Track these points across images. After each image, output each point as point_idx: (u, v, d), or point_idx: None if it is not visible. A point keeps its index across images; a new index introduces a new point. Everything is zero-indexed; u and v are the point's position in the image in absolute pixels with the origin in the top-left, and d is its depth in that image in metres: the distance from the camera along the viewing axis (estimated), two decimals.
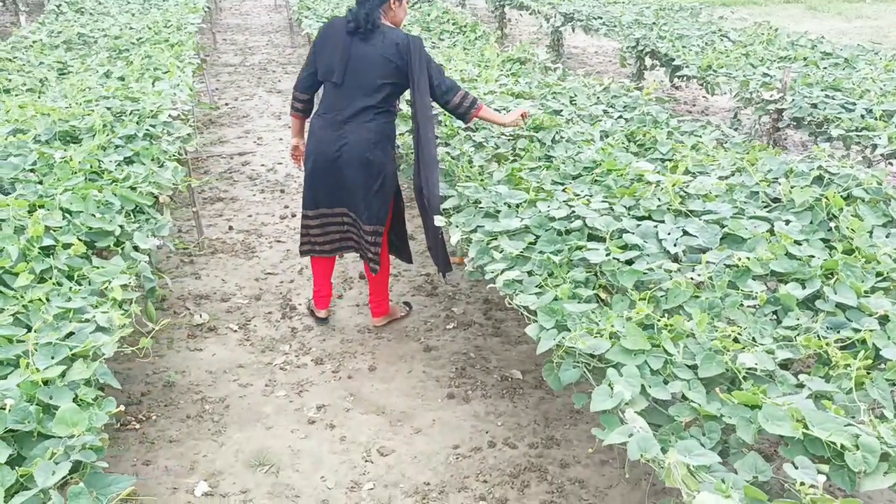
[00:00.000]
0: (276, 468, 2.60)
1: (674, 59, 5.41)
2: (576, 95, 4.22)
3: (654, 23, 6.49)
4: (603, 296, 2.29)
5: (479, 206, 2.78)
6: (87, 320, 1.90)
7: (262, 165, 5.39)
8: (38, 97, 4.28)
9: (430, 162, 2.96)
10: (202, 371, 3.12)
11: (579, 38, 9.28)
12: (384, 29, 2.90)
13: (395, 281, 3.87)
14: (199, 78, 7.04)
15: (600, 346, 1.95)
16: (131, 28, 6.11)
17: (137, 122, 3.60)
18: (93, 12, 6.89)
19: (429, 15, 6.79)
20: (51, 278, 2.14)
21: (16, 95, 4.45)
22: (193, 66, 4.99)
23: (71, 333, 1.80)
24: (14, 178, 2.86)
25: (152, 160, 3.24)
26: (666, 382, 1.84)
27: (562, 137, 3.51)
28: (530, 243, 2.49)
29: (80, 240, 2.41)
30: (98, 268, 2.32)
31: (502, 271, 2.39)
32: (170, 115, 3.71)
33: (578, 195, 2.79)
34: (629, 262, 2.34)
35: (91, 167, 3.01)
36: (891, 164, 4.13)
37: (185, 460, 2.63)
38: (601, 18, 6.69)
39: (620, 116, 3.94)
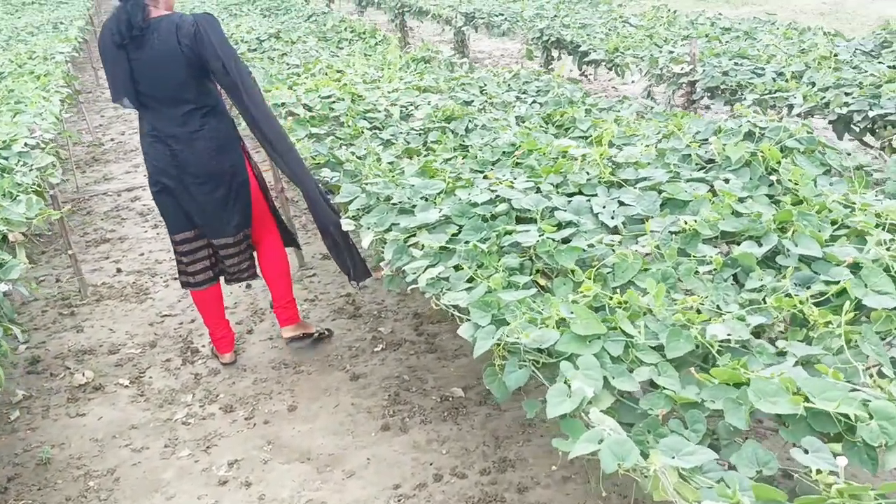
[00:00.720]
0: None
1: (580, 46, 5.26)
2: (486, 85, 3.95)
3: (555, 15, 6.37)
4: (542, 282, 1.97)
5: (391, 202, 2.42)
6: None
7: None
8: None
9: (287, 153, 2.60)
10: (85, 440, 2.60)
11: (483, 42, 9.15)
12: (155, 23, 2.43)
13: (312, 307, 3.45)
14: (79, 116, 6.43)
15: (547, 336, 1.61)
16: None
17: None
18: None
19: (325, 25, 6.44)
20: None
21: None
22: (62, 96, 4.45)
23: None
24: None
25: (2, 195, 2.73)
26: (631, 371, 1.51)
27: (475, 125, 3.22)
28: (453, 235, 2.14)
29: None
30: None
31: (424, 269, 2.03)
32: (26, 144, 3.19)
33: (501, 179, 2.47)
34: (565, 241, 2.03)
35: None
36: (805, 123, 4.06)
37: None
38: (502, 15, 6.52)
39: (534, 101, 3.69)
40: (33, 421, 2.70)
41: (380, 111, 3.54)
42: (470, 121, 3.24)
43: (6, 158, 3.08)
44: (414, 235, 2.21)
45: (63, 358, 3.10)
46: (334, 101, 3.69)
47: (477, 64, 8.00)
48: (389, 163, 2.85)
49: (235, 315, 3.38)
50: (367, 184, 2.57)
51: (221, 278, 2.95)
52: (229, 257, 2.83)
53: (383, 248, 2.27)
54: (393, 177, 2.62)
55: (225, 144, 2.64)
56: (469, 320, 1.77)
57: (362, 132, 3.26)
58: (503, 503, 2.24)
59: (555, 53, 5.80)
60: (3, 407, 2.77)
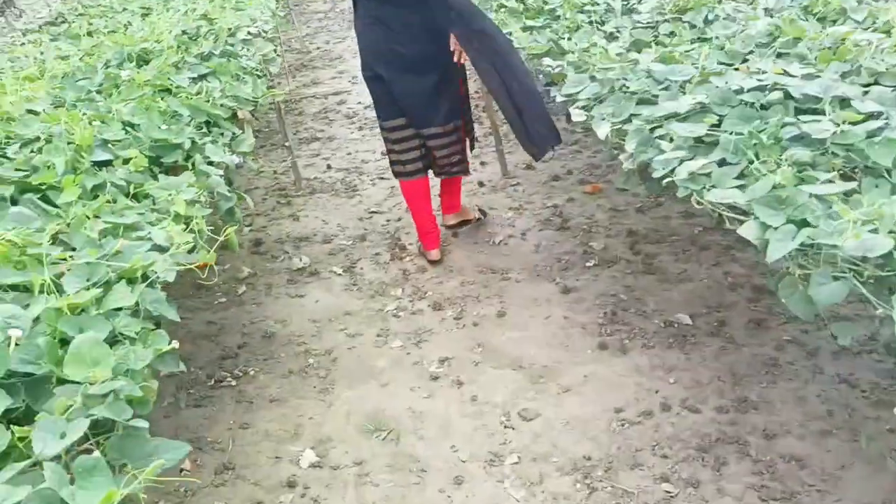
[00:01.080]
0: (395, 434, 2.09)
1: None
2: None
3: None
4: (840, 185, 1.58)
5: (629, 91, 2.10)
6: (141, 238, 1.42)
7: (359, 103, 4.89)
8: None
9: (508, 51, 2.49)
10: (305, 320, 2.65)
11: None
12: None
13: (518, 216, 3.26)
14: (289, 25, 6.65)
15: (876, 244, 1.25)
16: None
17: (214, 41, 3.15)
18: None
19: None
20: (104, 194, 1.68)
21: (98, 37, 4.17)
22: None
23: (118, 253, 1.32)
24: (78, 98, 2.46)
25: (231, 77, 2.78)
26: None
27: (717, 17, 2.74)
28: (713, 126, 1.79)
29: (142, 154, 1.95)
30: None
31: (681, 162, 1.71)
32: (249, 33, 3.24)
33: (762, 70, 2.05)
34: (870, 136, 1.61)
35: (161, 84, 2.57)
36: None
37: (288, 423, 2.17)
38: None
39: None
40: (258, 297, 2.81)
41: (599, 4, 3.17)
42: (710, 11, 2.77)
43: (232, 45, 3.15)
44: (660, 126, 1.89)
45: (282, 243, 3.20)
46: None
47: None
48: (618, 54, 2.50)
49: (440, 217, 3.29)
50: (598, 71, 2.25)
51: (430, 172, 2.87)
52: (439, 148, 2.75)
53: (622, 141, 1.98)
54: (627, 66, 2.27)
55: (441, 29, 2.54)
56: (744, 221, 1.45)
57: (581, 26, 2.92)
58: (746, 447, 1.94)
59: None
60: (232, 281, 2.91)
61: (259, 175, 3.87)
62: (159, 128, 2.06)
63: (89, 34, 4.29)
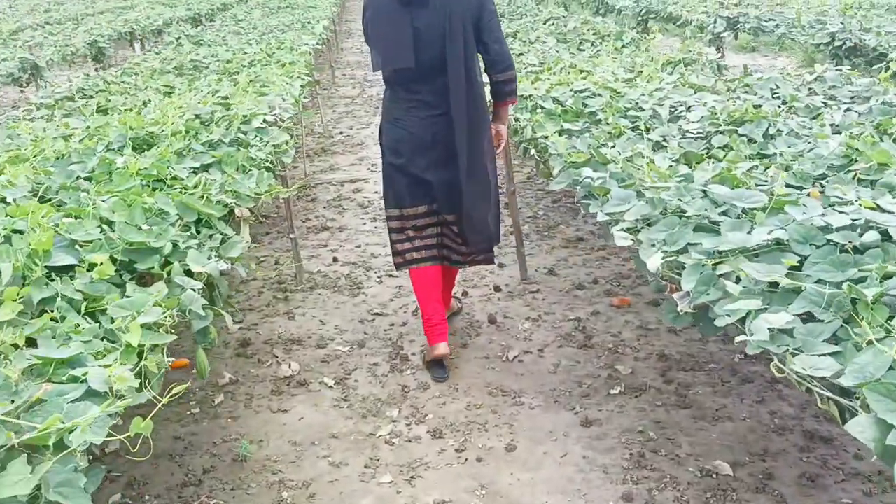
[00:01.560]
0: None
1: (888, 54, 4.23)
2: (778, 87, 3.20)
3: (842, 21, 5.30)
4: None
5: (684, 214, 1.82)
6: (75, 380, 1.14)
7: (376, 192, 4.71)
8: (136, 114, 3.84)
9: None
10: (284, 441, 2.32)
11: (731, 58, 8.14)
12: None
13: (535, 327, 2.95)
14: (314, 108, 6.64)
15: None
16: (244, 53, 5.77)
17: (227, 128, 2.99)
18: (211, 43, 6.70)
19: (565, 26, 6.00)
20: (51, 311, 1.42)
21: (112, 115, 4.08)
22: (303, 82, 4.45)
23: (38, 402, 1.04)
24: (63, 185, 2.26)
25: (236, 169, 2.58)
26: None
27: (779, 132, 2.51)
28: (792, 268, 1.50)
29: (114, 259, 1.71)
30: (129, 297, 1.59)
31: (753, 314, 1.40)
32: (265, 121, 3.08)
33: (842, 199, 1.77)
34: None
35: (158, 173, 2.37)
36: None
37: None
38: (774, 20, 5.58)
39: (849, 108, 2.87)
40: (235, 409, 2.50)
41: (644, 109, 2.97)
42: (770, 125, 2.54)
43: (244, 133, 2.98)
44: (724, 261, 1.60)
45: (272, 344, 2.91)
46: (589, 97, 3.18)
47: None
48: (668, 167, 2.26)
49: (450, 325, 2.99)
50: (647, 189, 2.00)
51: (444, 262, 2.67)
52: (463, 234, 2.58)
53: (675, 275, 1.68)
54: (680, 184, 2.02)
55: (484, 116, 2.48)
56: (852, 407, 1.13)
57: (624, 132, 2.71)
58: None
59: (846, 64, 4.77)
60: (210, 388, 2.61)
61: (259, 264, 3.64)
62: (139, 228, 1.83)
63: (104, 111, 4.21)
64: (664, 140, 2.60)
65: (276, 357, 2.82)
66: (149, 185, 2.35)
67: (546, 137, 2.74)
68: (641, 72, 4.12)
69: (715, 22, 5.74)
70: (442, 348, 2.59)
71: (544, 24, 6.82)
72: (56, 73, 9.30)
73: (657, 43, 5.17)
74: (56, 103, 4.36)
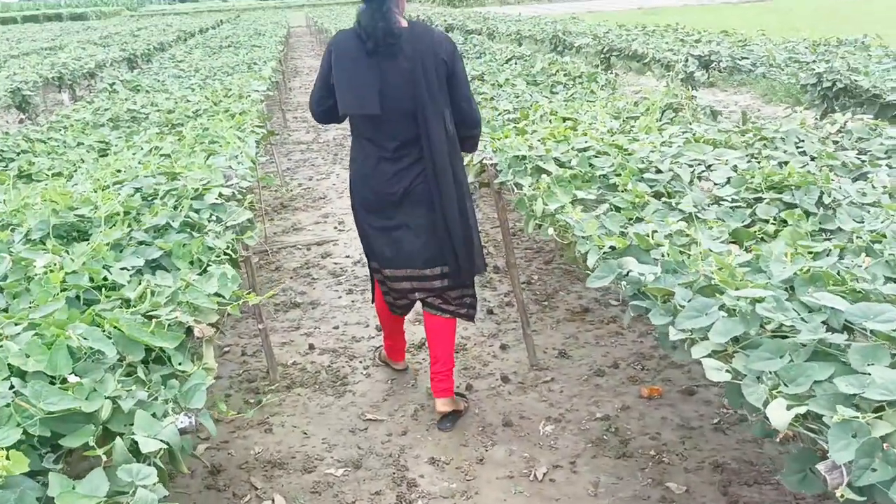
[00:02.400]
0: None
1: (882, 96, 4.06)
2: (801, 140, 2.91)
3: (828, 59, 5.17)
4: None
5: (799, 342, 1.42)
6: None
7: (347, 257, 4.23)
8: (64, 183, 3.27)
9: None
10: None
11: (701, 95, 8.05)
12: (406, 31, 2.27)
13: (557, 429, 2.52)
14: (268, 158, 6.13)
15: None
16: (188, 101, 5.23)
17: (175, 207, 2.49)
18: (149, 89, 6.12)
19: (532, 66, 5.70)
20: None
21: (36, 182, 3.49)
22: (258, 136, 3.96)
23: None
24: None
25: (190, 263, 2.08)
26: None
27: (836, 201, 2.18)
28: None
29: (26, 435, 1.20)
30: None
31: None
32: (221, 195, 2.59)
33: None
34: None
35: (91, 280, 1.86)
36: None
37: None
38: (747, 58, 5.43)
39: (889, 164, 2.59)
40: None
41: (661, 171, 2.62)
42: (823, 192, 2.22)
43: (197, 211, 2.48)
44: (881, 416, 1.21)
45: (249, 470, 2.38)
46: (595, 156, 2.82)
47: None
48: (719, 252, 1.88)
49: (457, 426, 2.54)
50: (728, 296, 1.58)
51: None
52: (445, 290, 2.49)
53: (814, 433, 1.27)
54: (766, 285, 1.63)
55: (459, 167, 2.41)
56: None
57: (647, 201, 2.34)
58: None
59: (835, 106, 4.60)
60: None
61: (223, 355, 3.10)
62: (59, 385, 1.31)
63: (27, 177, 3.62)
64: (698, 210, 2.24)
65: (256, 489, 2.28)
66: (79, 299, 1.83)
67: (564, 209, 2.34)
68: (632, 120, 3.82)
69: (686, 61, 5.55)
70: (402, 365, 2.86)
71: (507, 62, 6.53)
72: None
73: (624, 81, 4.90)
74: None
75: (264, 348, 2.90)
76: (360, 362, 3.04)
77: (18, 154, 4.03)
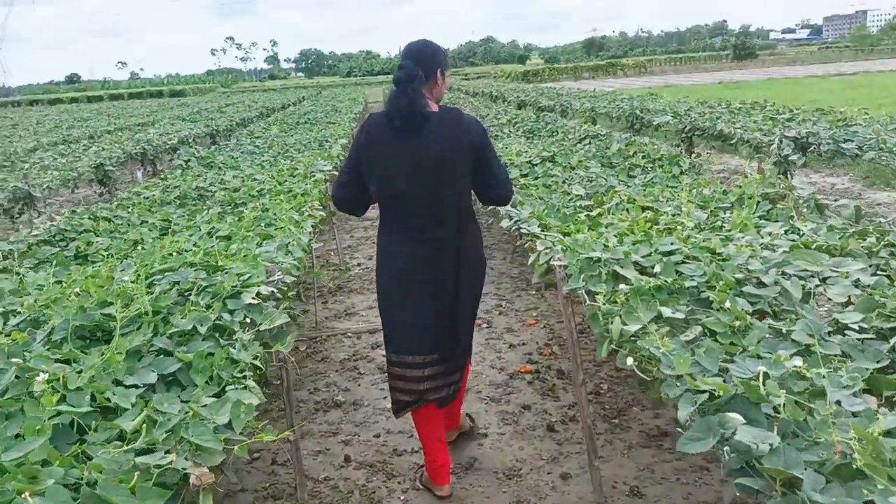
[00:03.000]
0: None
1: None
2: None
3: None
4: None
5: None
6: None
7: None
8: (114, 266, 3.17)
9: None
10: None
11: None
12: (436, 115, 2.30)
13: None
14: (330, 235, 6.01)
15: None
16: (254, 179, 5.21)
17: (208, 306, 2.27)
18: (221, 166, 6.19)
19: (607, 148, 5.40)
20: None
21: (91, 263, 3.41)
22: (315, 220, 3.80)
23: None
24: None
25: (207, 380, 1.83)
26: None
27: None
28: None
29: None
30: None
31: None
32: (259, 294, 2.36)
33: None
34: None
35: (93, 399, 1.63)
36: None
37: None
38: (852, 141, 4.93)
39: None
40: None
41: (764, 283, 2.21)
42: None
43: (231, 312, 2.25)
44: None
45: None
46: (683, 262, 2.44)
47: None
48: (854, 413, 1.45)
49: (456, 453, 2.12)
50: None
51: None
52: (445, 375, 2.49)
53: None
54: None
55: (480, 252, 2.48)
56: None
57: (750, 325, 1.93)
58: None
59: None
60: None
61: (252, 465, 2.82)
62: None
63: (83, 258, 3.56)
64: (817, 341, 1.81)
65: None
66: (72, 426, 1.60)
67: (646, 333, 1.96)
68: (721, 211, 3.42)
69: (780, 143, 5.10)
70: (445, 490, 2.53)
71: (580, 142, 6.27)
72: (58, 198, 8.92)
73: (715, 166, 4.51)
74: (29, 248, 3.73)
75: (294, 462, 2.60)
76: (399, 483, 2.68)
77: (80, 233, 4.03)
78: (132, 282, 2.59)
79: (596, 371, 3.52)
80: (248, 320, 2.24)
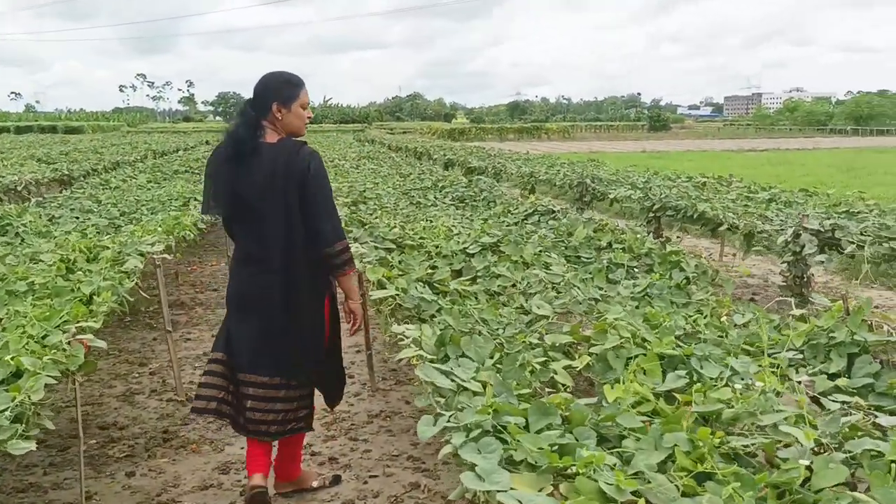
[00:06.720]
0: None
1: None
2: None
3: None
4: None
5: None
6: None
7: None
8: None
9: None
10: None
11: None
12: (269, 146, 2.40)
13: None
14: (163, 350, 4.15)
15: None
16: (39, 260, 3.33)
17: None
18: (26, 231, 4.24)
19: (569, 234, 3.90)
20: None
21: None
22: (61, 371, 2.01)
23: None
24: None
25: None
26: None
27: None
28: None
29: None
30: None
31: None
32: None
33: None
34: None
35: None
36: None
37: None
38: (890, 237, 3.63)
39: None
40: None
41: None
42: None
43: None
44: None
45: None
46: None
47: None
48: None
49: None
50: None
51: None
52: (253, 399, 2.47)
53: None
54: None
55: (317, 285, 2.49)
56: None
57: None
58: None
59: None
60: None
61: None
62: None
63: None
64: None
65: None
66: None
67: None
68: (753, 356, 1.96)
69: (797, 237, 3.76)
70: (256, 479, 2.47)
71: (526, 218, 4.74)
72: None
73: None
74: None
75: None
76: None
77: None
78: None
79: None
80: None
